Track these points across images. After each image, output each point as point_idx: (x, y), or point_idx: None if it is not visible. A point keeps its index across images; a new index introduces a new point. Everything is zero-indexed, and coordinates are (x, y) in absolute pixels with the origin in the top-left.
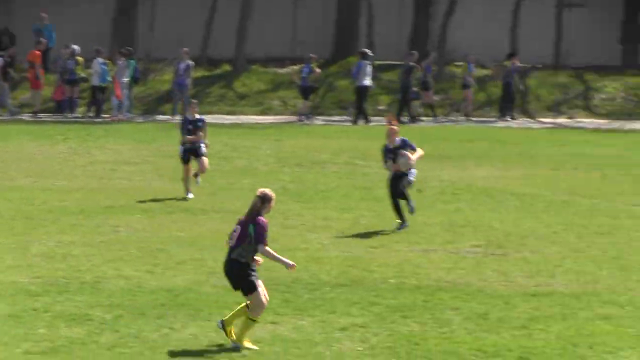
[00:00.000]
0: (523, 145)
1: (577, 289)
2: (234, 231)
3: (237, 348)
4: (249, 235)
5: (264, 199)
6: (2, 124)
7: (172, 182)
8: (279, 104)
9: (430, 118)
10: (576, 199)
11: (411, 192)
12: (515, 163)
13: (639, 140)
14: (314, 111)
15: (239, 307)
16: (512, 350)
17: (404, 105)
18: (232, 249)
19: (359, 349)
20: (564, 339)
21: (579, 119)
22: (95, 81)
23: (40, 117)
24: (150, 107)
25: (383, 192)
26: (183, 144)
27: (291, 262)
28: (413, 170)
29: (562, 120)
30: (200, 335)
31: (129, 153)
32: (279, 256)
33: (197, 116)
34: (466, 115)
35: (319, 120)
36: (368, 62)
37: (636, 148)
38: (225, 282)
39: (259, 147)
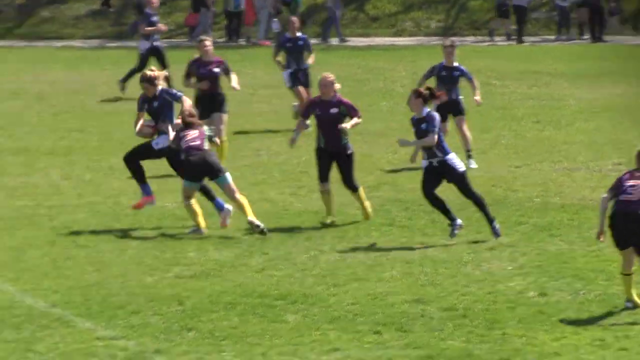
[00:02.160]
0: None
1: None
2: (634, 184)
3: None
4: None
5: None
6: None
7: None
8: (411, 26)
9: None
10: None
11: None
12: None
13: None
14: (448, 32)
15: (625, 279)
16: None
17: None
18: (633, 203)
19: (509, 268)
20: None
21: None
22: (230, 6)
23: (174, 42)
24: None
25: (521, 111)
26: (288, 66)
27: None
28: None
29: None
30: (348, 257)
31: (266, 77)
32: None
33: (299, 34)
34: None
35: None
36: None
37: None
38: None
39: (394, 69)
